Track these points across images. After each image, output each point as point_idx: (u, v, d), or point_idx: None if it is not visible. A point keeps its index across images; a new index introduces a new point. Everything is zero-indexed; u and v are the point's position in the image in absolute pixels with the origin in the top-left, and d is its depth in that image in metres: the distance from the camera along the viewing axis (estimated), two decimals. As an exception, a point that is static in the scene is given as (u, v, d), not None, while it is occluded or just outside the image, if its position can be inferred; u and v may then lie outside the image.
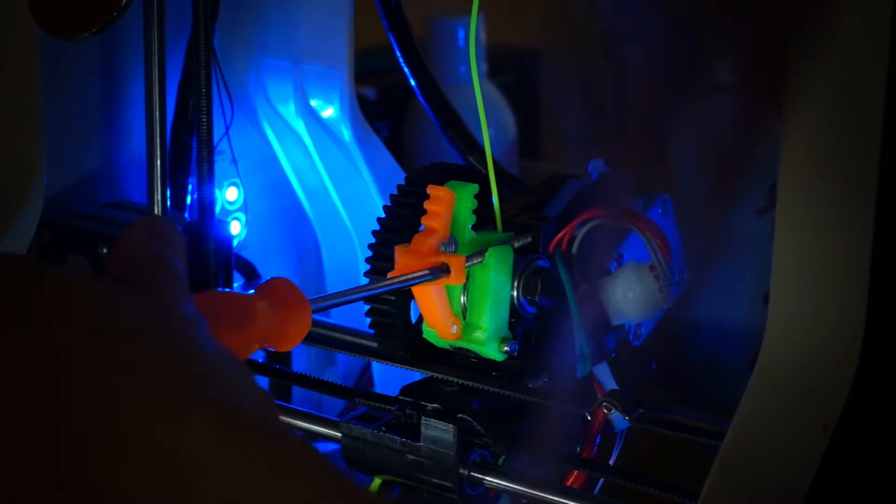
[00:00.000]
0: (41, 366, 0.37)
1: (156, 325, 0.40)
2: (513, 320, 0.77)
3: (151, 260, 0.44)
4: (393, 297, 0.79)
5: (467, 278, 0.75)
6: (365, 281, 0.80)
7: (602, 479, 0.77)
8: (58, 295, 0.39)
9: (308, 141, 1.09)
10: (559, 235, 0.77)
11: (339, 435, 0.79)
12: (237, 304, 0.48)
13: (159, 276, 0.43)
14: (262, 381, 1.04)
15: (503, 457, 0.77)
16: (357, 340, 0.91)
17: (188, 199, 1.00)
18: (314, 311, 0.52)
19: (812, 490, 0.66)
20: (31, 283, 0.39)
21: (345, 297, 0.67)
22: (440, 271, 0.73)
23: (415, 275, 0.72)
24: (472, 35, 0.79)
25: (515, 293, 0.76)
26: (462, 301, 0.76)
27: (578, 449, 0.78)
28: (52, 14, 0.85)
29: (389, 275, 0.74)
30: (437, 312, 0.75)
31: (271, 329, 0.49)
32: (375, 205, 1.06)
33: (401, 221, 0.79)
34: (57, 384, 0.37)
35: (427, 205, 0.74)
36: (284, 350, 0.51)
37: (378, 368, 1.10)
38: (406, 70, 1.00)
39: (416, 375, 0.81)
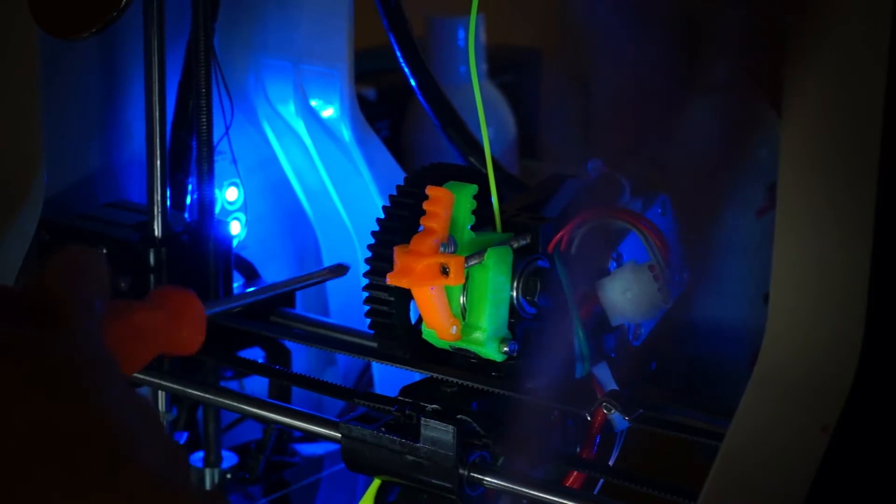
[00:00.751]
0: None
1: (57, 373, 0.39)
2: (512, 321, 0.77)
3: (65, 297, 0.43)
4: (393, 298, 0.79)
5: (466, 279, 0.75)
6: (365, 281, 0.80)
7: (602, 480, 0.77)
8: None
9: (308, 141, 1.09)
10: (558, 236, 0.77)
11: (339, 436, 0.79)
12: (124, 313, 0.47)
13: (71, 313, 0.42)
14: (262, 382, 1.04)
15: (503, 457, 0.77)
16: (357, 341, 0.91)
17: (188, 199, 1.00)
18: (210, 313, 0.52)
19: (812, 490, 0.66)
20: None
21: (242, 300, 0.66)
22: (440, 273, 0.73)
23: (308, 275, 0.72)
24: (472, 35, 0.79)
25: (515, 293, 0.76)
26: (461, 302, 0.76)
27: (578, 449, 0.78)
28: (52, 14, 0.85)
29: (388, 276, 0.74)
30: (436, 313, 0.75)
31: (165, 335, 0.49)
32: (375, 205, 1.06)
33: (400, 222, 0.79)
34: None
35: (426, 205, 0.74)
36: (189, 354, 0.51)
37: (378, 369, 1.10)
38: (406, 70, 1.00)
39: (416, 376, 0.81)
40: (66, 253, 0.45)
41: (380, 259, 0.79)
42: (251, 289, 0.97)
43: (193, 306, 0.50)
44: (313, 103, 1.09)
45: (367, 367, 1.12)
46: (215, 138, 0.98)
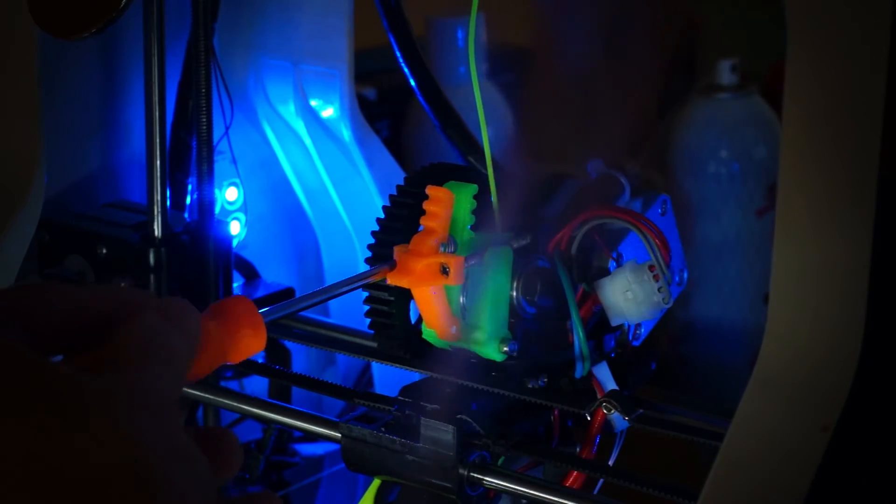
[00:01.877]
0: None
1: (101, 419, 0.39)
2: (512, 320, 0.77)
3: (151, 345, 0.43)
4: (393, 298, 0.79)
5: (466, 279, 0.75)
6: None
7: (602, 480, 0.77)
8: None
9: (308, 141, 1.09)
10: (558, 235, 0.77)
11: (339, 436, 0.79)
12: None
13: (148, 363, 0.43)
14: (262, 382, 1.04)
15: (503, 457, 0.77)
16: (357, 340, 0.91)
17: (188, 199, 1.00)
18: (268, 321, 0.53)
19: (812, 490, 0.66)
20: None
21: (297, 305, 0.67)
22: (442, 271, 0.73)
23: (363, 274, 0.73)
24: (472, 35, 0.79)
25: (515, 293, 0.76)
26: (461, 301, 0.76)
27: (578, 449, 0.78)
28: (52, 14, 0.85)
29: (388, 276, 0.74)
30: (436, 313, 0.75)
31: (226, 345, 0.51)
32: (375, 205, 1.06)
33: (400, 222, 0.78)
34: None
35: (426, 205, 0.74)
36: (241, 360, 0.52)
37: (378, 369, 1.10)
38: (406, 70, 1.00)
39: (416, 376, 0.81)
40: (165, 301, 0.46)
41: (380, 259, 0.78)
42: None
43: (251, 316, 0.52)
44: (313, 103, 1.09)
45: (367, 367, 1.12)
46: (215, 138, 0.98)
